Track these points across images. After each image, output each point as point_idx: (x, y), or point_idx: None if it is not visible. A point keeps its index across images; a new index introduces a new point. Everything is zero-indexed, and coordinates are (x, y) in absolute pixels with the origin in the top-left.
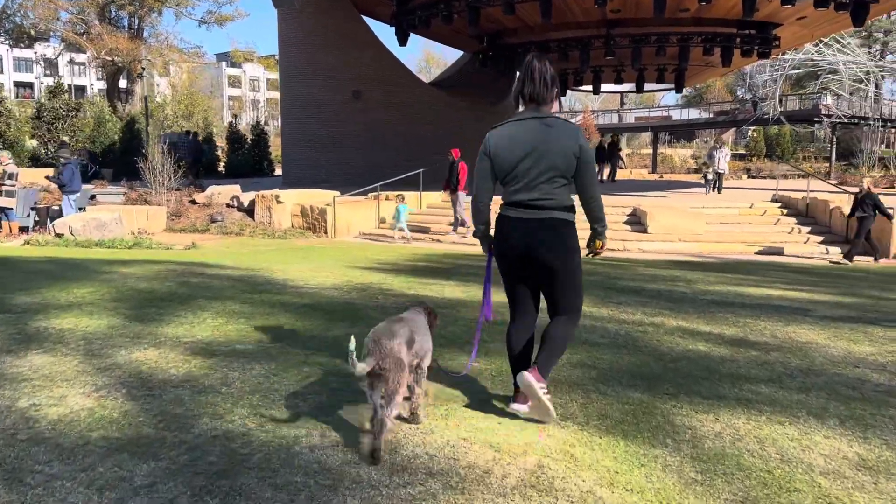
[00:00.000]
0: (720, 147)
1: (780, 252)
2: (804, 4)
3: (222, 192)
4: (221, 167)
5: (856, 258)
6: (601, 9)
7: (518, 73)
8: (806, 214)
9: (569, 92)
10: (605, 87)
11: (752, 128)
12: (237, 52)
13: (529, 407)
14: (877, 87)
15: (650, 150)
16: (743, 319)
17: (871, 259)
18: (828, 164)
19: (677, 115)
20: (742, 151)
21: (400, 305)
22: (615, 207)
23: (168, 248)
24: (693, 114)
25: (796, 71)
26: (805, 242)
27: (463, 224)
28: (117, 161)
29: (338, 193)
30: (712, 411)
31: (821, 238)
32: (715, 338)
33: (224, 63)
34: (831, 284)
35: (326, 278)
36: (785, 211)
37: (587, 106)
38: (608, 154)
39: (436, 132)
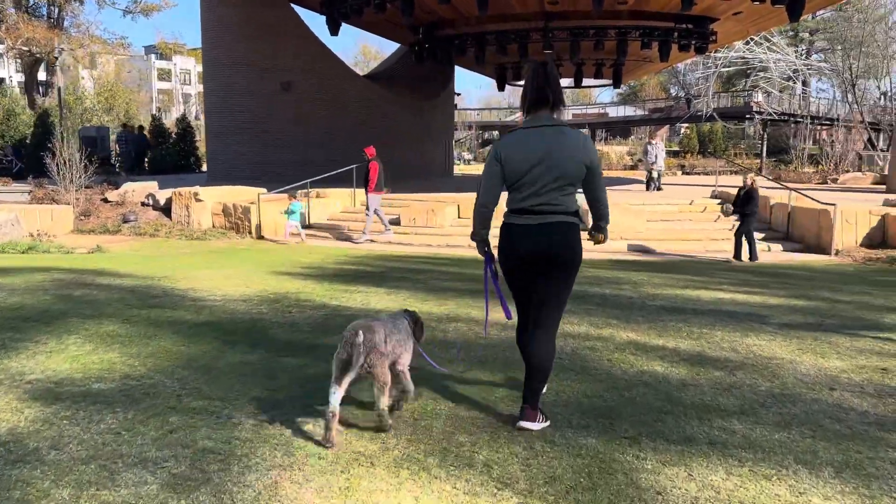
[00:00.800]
0: (655, 143)
1: (723, 250)
2: None
3: (137, 190)
4: (146, 163)
5: (792, 254)
6: (539, 1)
7: (525, 79)
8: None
9: (508, 87)
10: None
11: (686, 125)
12: (163, 44)
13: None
14: (805, 84)
15: None
16: (698, 329)
17: (793, 255)
18: (759, 161)
19: (613, 113)
20: (676, 148)
21: (315, 322)
22: None
23: (69, 251)
24: (629, 111)
25: (728, 69)
26: None
27: (386, 228)
28: (29, 157)
29: (263, 191)
30: (683, 462)
31: (761, 235)
32: (671, 354)
33: (153, 56)
34: (780, 285)
35: (236, 287)
36: (721, 208)
37: None
38: None
39: (371, 127)
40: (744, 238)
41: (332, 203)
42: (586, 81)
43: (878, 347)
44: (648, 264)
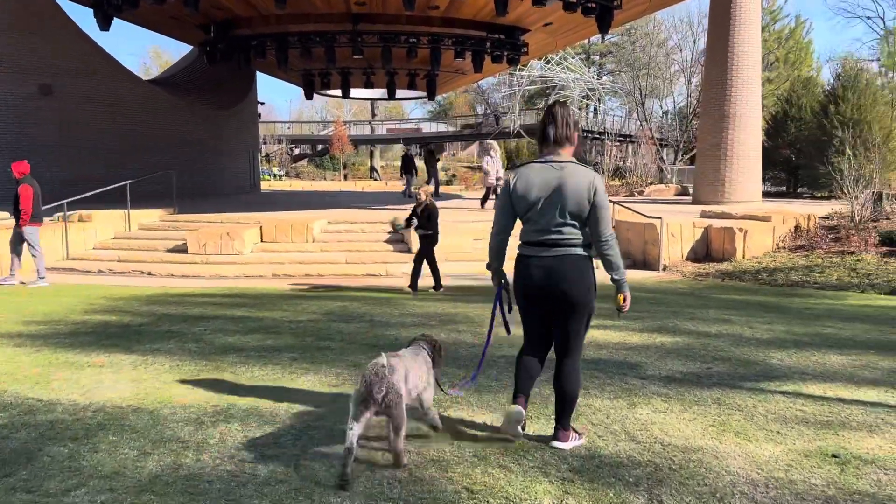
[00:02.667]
0: (495, 156)
1: None
2: (553, 8)
3: None
4: None
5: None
6: (345, 1)
7: (541, 118)
8: None
9: (316, 97)
10: (355, 92)
11: (493, 141)
12: None
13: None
14: (599, 102)
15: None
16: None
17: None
18: None
19: (427, 128)
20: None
21: None
22: (374, 224)
23: None
24: (441, 127)
25: (531, 87)
26: None
27: (13, 271)
28: None
29: (6, 215)
30: None
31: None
32: (542, 464)
33: None
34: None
35: None
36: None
37: (339, 117)
38: (427, 162)
39: (153, 137)
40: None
41: (101, 229)
42: (400, 93)
43: (799, 412)
44: (481, 290)
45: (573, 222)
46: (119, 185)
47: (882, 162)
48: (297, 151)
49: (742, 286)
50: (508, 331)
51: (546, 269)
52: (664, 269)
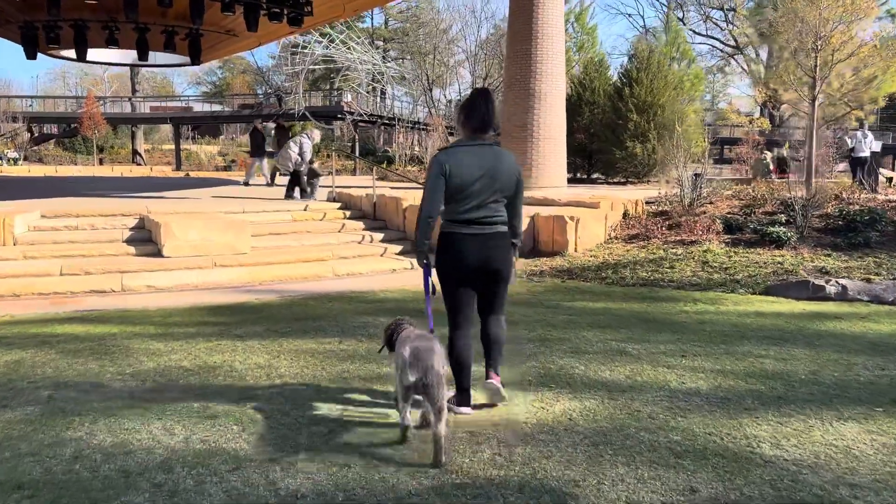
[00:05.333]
0: (311, 133)
1: (360, 273)
2: None
3: None
4: None
5: None
6: None
7: (469, 103)
8: (374, 217)
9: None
10: (96, 54)
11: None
12: None
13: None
14: (387, 86)
15: (172, 146)
16: None
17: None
18: (353, 162)
19: (200, 108)
20: (271, 149)
21: None
22: (111, 217)
23: None
24: (216, 108)
25: (316, 66)
26: (382, 254)
27: None
28: None
29: None
30: None
31: (399, 248)
32: None
33: None
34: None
35: None
36: (348, 213)
37: (91, 92)
38: (278, 140)
39: None
40: None
41: None
42: (156, 57)
43: None
44: (260, 312)
45: (503, 200)
46: None
47: (686, 144)
48: (42, 132)
49: (589, 288)
50: (432, 327)
51: (480, 244)
52: None
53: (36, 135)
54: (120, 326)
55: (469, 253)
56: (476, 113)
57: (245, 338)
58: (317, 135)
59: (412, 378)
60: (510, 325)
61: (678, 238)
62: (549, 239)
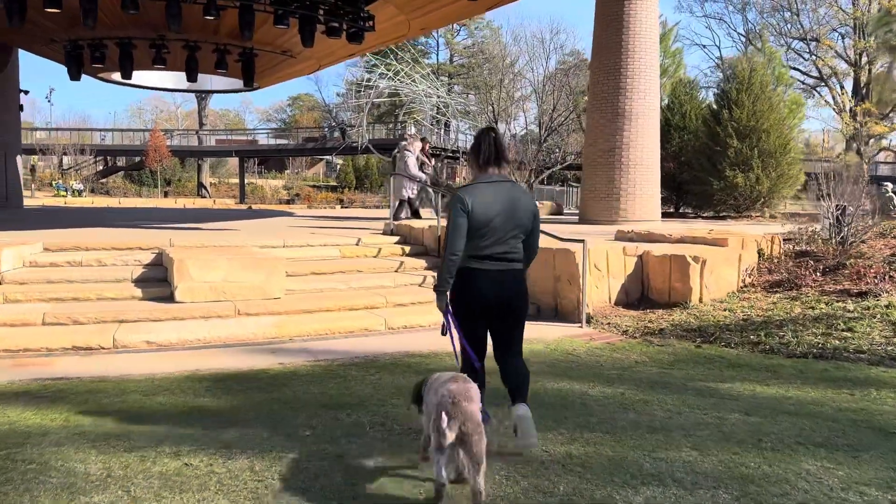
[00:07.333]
0: (411, 143)
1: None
2: None
3: None
4: None
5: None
6: None
7: (475, 142)
8: (438, 253)
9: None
10: (142, 76)
11: (341, 159)
12: None
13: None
14: (452, 119)
15: (238, 180)
16: None
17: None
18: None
19: (264, 141)
20: (333, 183)
21: None
22: (124, 251)
23: None
24: (281, 141)
25: (381, 100)
26: None
27: None
28: None
29: None
30: None
31: None
32: None
33: None
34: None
35: None
36: (408, 249)
37: (157, 124)
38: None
39: None
40: None
41: None
42: (216, 82)
43: None
44: (277, 390)
45: (521, 236)
46: None
47: (796, 173)
48: (109, 165)
49: (739, 359)
50: (475, 361)
51: (497, 281)
52: (588, 322)
53: (101, 168)
54: (68, 414)
55: (486, 289)
56: (483, 148)
57: (232, 449)
58: (416, 146)
59: (450, 434)
60: (649, 431)
61: (840, 287)
62: (665, 286)
